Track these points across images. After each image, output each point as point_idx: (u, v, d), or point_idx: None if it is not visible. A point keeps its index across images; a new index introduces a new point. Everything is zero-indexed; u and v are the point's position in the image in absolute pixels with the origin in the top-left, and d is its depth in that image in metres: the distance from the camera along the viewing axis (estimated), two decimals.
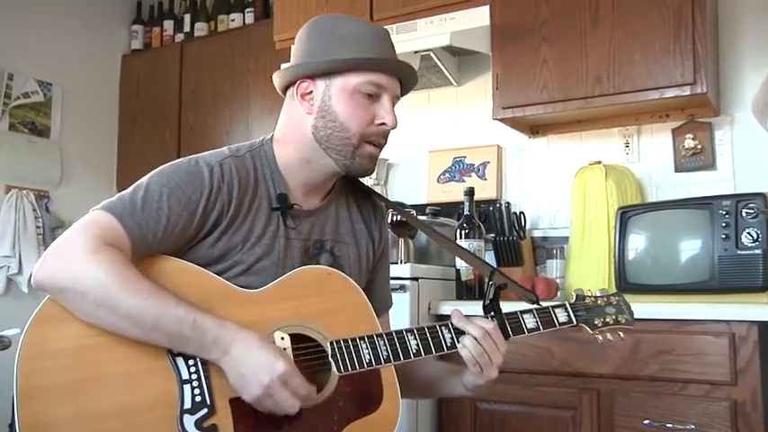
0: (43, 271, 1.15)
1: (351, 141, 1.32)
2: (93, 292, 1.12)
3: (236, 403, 1.17)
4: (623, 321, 1.42)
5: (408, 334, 1.30)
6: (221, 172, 1.28)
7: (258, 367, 1.13)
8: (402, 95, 1.40)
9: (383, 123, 1.33)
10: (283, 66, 1.43)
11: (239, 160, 1.32)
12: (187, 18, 3.80)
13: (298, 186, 1.37)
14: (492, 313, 1.35)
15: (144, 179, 1.26)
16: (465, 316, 1.34)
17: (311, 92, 1.34)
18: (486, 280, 1.41)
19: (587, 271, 2.34)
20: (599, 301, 1.43)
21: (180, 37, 3.82)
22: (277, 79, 1.40)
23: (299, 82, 1.35)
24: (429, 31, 2.61)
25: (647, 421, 1.86)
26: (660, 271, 2.13)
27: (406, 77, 1.38)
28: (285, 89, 1.40)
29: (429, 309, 2.24)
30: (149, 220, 1.20)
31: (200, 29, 3.73)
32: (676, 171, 2.52)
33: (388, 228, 2.43)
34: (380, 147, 1.36)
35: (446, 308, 2.23)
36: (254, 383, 1.13)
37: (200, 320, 1.14)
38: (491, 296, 1.37)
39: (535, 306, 1.40)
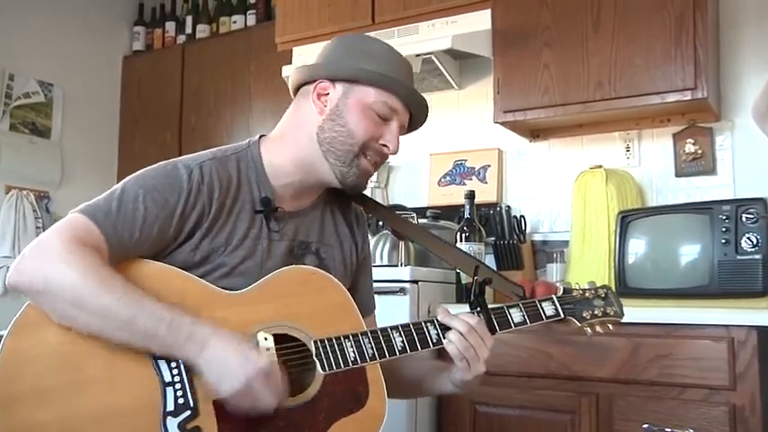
0: (17, 273, 1.15)
1: (353, 149, 1.32)
2: (67, 292, 1.11)
3: (220, 405, 1.16)
4: (612, 314, 1.42)
5: (393, 331, 1.29)
6: (200, 174, 1.26)
7: (238, 361, 1.13)
8: (408, 131, 1.42)
9: (386, 146, 1.35)
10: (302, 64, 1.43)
11: (221, 163, 1.31)
12: (189, 20, 3.81)
13: (285, 189, 1.36)
14: (478, 308, 1.35)
15: (120, 183, 1.25)
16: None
17: (328, 93, 1.34)
18: (472, 275, 1.41)
19: (587, 275, 2.32)
20: (587, 294, 1.43)
21: (181, 38, 3.83)
22: (296, 74, 1.39)
23: (318, 81, 1.35)
24: (431, 35, 2.61)
25: (645, 425, 1.86)
26: (660, 275, 2.13)
27: (417, 111, 1.40)
28: (299, 87, 1.40)
29: (429, 312, 2.24)
30: (125, 221, 1.19)
31: (202, 30, 3.73)
32: (677, 176, 2.52)
33: (389, 231, 2.45)
34: (375, 166, 1.38)
35: None
36: (235, 377, 1.12)
37: (176, 320, 1.13)
38: (476, 291, 1.36)
39: (522, 300, 1.40)
